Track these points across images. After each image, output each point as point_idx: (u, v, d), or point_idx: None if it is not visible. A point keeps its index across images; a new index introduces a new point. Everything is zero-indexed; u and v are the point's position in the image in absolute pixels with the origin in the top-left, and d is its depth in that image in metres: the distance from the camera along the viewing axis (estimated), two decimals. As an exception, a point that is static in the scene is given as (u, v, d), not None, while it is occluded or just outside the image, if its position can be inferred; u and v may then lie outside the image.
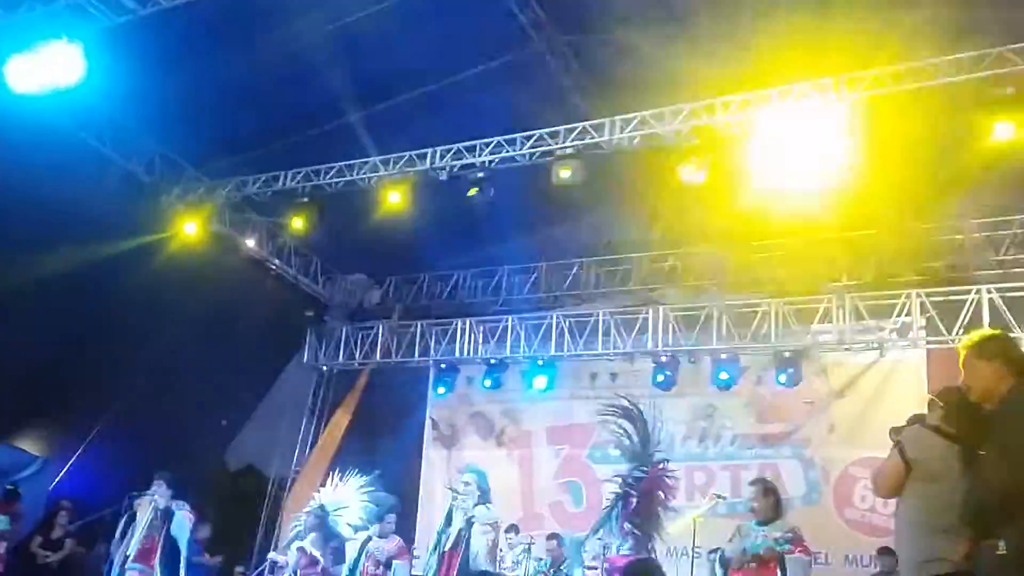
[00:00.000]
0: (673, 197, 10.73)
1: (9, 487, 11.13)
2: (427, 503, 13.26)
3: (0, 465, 11.71)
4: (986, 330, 5.68)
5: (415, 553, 10.85)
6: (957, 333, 10.59)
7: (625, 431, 8.56)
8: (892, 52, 8.58)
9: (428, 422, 14.26)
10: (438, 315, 14.18)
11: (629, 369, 12.86)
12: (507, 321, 13.35)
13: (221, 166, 11.84)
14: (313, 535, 8.99)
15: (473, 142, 10.49)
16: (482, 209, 10.58)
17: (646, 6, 9.34)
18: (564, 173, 9.86)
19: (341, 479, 9.72)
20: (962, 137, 8.96)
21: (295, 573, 8.93)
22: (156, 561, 9.02)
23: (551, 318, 13.05)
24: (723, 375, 11.96)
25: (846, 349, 11.64)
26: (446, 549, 7.57)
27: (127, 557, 9.00)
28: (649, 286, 13.14)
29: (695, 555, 8.41)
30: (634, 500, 8.10)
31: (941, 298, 11.00)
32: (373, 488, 9.51)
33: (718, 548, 7.34)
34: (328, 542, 8.92)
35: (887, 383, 11.36)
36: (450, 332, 13.77)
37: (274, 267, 13.64)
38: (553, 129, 10.14)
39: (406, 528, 10.66)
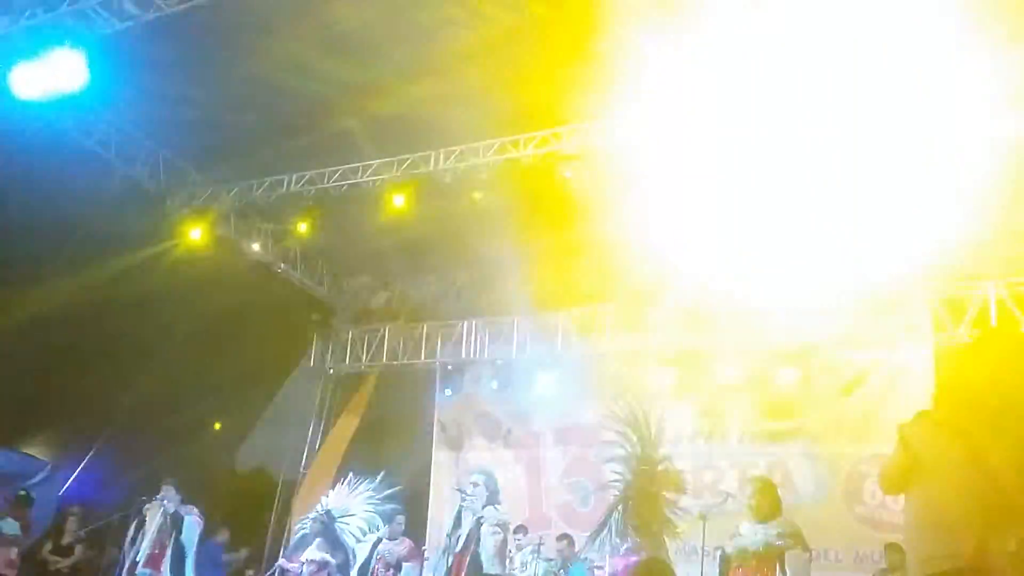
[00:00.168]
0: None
1: (20, 493, 11.14)
2: (436, 505, 13.25)
3: (10, 471, 11.73)
4: (998, 325, 5.67)
5: (425, 554, 10.86)
6: (964, 329, 10.57)
7: (626, 435, 8.53)
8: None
9: (436, 424, 14.26)
10: (444, 316, 14.17)
11: (635, 369, 12.84)
12: (513, 321, 13.33)
13: (225, 171, 11.85)
14: (319, 540, 8.99)
15: (476, 144, 10.51)
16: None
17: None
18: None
19: (348, 485, 9.71)
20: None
21: None
22: (165, 566, 9.05)
23: (556, 318, 13.02)
24: (729, 372, 11.92)
25: (854, 346, 11.59)
26: (456, 550, 7.57)
27: (136, 563, 9.03)
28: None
29: (704, 554, 8.40)
30: (636, 502, 8.08)
31: (949, 294, 10.96)
32: (380, 496, 9.49)
33: (719, 547, 7.33)
34: (333, 549, 8.91)
35: (895, 380, 11.32)
36: (456, 333, 13.76)
37: (280, 271, 13.65)
38: (557, 129, 10.11)
39: (416, 530, 10.66)
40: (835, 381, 11.76)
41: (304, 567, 8.92)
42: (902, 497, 4.21)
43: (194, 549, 9.29)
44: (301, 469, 14.21)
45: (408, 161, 10.86)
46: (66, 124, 10.11)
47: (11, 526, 10.56)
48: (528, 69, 8.92)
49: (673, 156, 8.84)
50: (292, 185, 11.45)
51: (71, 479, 12.44)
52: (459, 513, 7.71)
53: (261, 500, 13.81)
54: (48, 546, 11.17)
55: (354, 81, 10.05)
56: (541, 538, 11.05)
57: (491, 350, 13.53)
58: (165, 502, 9.18)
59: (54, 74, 8.92)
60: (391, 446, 13.52)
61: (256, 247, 13.10)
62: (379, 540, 9.02)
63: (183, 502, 9.33)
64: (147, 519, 9.27)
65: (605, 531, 8.30)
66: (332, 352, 14.80)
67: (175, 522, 9.18)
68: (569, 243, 13.24)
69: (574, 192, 10.22)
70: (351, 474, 10.16)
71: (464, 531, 7.59)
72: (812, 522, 11.03)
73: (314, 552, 8.97)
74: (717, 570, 7.56)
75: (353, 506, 9.37)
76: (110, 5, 8.90)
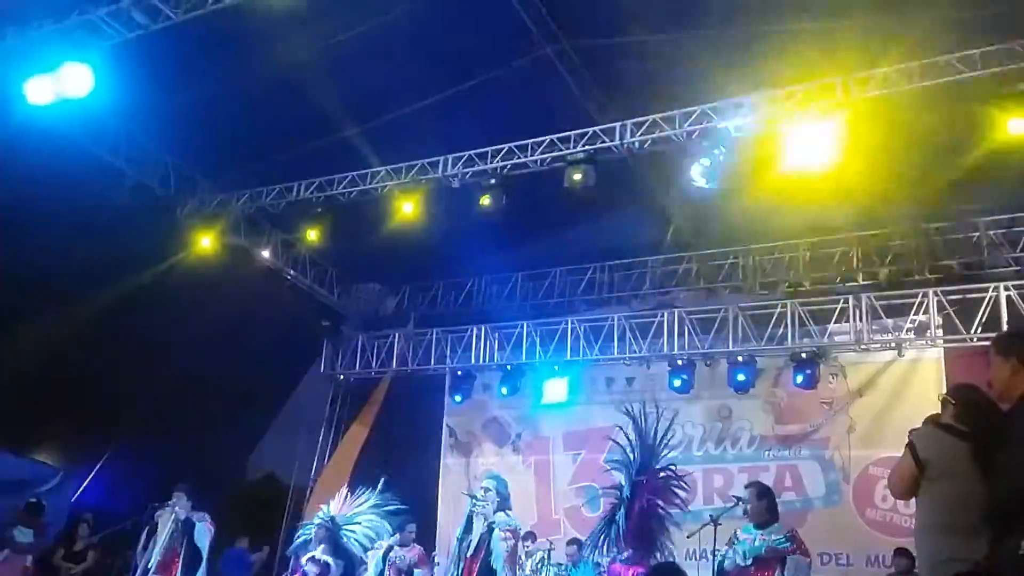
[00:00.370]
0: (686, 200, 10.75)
1: (31, 500, 11.20)
2: (446, 510, 13.26)
3: (22, 479, 11.78)
4: (1013, 328, 5.64)
5: (435, 560, 10.86)
6: (975, 331, 10.54)
7: (628, 441, 8.51)
8: (902, 51, 8.54)
9: (445, 430, 14.28)
10: (454, 322, 14.20)
11: (645, 373, 12.85)
12: (522, 327, 13.36)
13: (235, 178, 11.88)
14: (323, 547, 8.95)
15: (484, 149, 10.51)
16: (494, 215, 10.56)
17: (654, 10, 9.35)
18: (576, 176, 9.87)
19: (354, 493, 9.69)
20: (976, 134, 8.93)
21: None
22: (177, 572, 9.06)
23: (566, 323, 13.05)
24: (740, 377, 11.90)
25: (863, 349, 11.57)
26: (467, 556, 7.55)
27: (148, 570, 9.05)
28: (664, 289, 13.14)
29: (715, 558, 8.37)
30: (633, 509, 8.06)
31: (958, 296, 10.93)
32: (388, 503, 9.46)
33: (718, 551, 7.31)
34: (336, 555, 8.88)
35: (905, 382, 11.30)
36: (466, 339, 13.79)
37: (290, 277, 13.68)
38: (564, 134, 10.13)
39: (426, 536, 10.66)
40: (845, 385, 11.76)
41: (307, 567, 8.87)
42: (913, 501, 4.20)
43: (206, 556, 9.29)
44: (312, 475, 14.24)
45: (417, 167, 10.88)
46: (77, 132, 10.15)
47: (24, 534, 10.63)
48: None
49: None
50: (302, 192, 11.48)
51: (83, 486, 12.49)
52: (469, 518, 7.68)
53: (272, 506, 13.83)
54: (60, 553, 11.23)
55: (365, 86, 10.10)
56: (551, 543, 11.06)
57: (500, 356, 13.53)
58: (176, 508, 9.19)
59: (63, 82, 8.97)
60: (401, 452, 13.55)
61: (266, 254, 13.14)
62: (390, 547, 9.01)
63: (194, 508, 9.34)
64: (159, 525, 9.27)
65: (603, 538, 8.26)
66: (342, 358, 14.83)
67: (186, 528, 9.17)
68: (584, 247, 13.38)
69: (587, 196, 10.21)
70: (359, 481, 10.13)
71: (475, 536, 7.56)
72: (823, 526, 11.10)
73: (318, 555, 8.91)
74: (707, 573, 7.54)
75: (359, 513, 9.34)
76: (119, 15, 8.96)
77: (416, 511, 9.85)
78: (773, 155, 9.32)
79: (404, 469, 12.57)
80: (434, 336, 14.03)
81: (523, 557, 10.18)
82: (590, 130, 10.06)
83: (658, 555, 8.10)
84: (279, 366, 13.97)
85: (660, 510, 8.14)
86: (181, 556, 9.15)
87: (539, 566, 10.64)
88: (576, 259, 13.60)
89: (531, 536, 11.10)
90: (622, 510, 8.09)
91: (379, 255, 13.11)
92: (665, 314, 12.46)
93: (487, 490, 7.70)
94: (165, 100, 10.04)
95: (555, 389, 13.22)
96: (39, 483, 11.95)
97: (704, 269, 12.93)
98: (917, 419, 4.45)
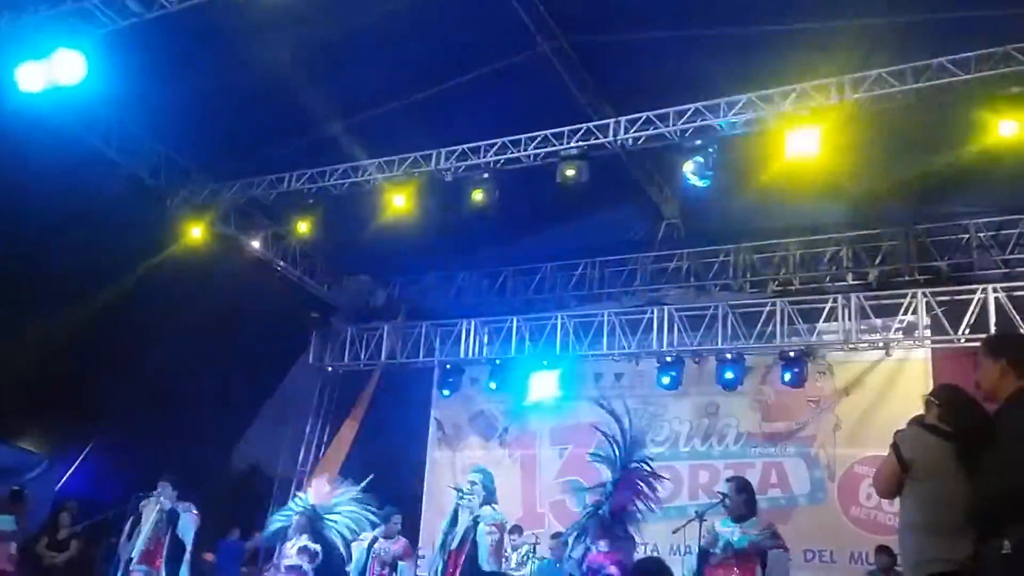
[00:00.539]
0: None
1: (15, 488, 11.15)
2: (432, 503, 13.26)
3: (6, 466, 11.73)
4: (1003, 329, 5.65)
5: (420, 553, 10.86)
6: (962, 333, 10.60)
7: (611, 437, 8.54)
8: (895, 52, 8.57)
9: (433, 423, 14.27)
10: (443, 315, 14.19)
11: (634, 369, 12.87)
12: (511, 322, 13.35)
13: (226, 168, 11.84)
14: (306, 536, 8.89)
15: (478, 144, 10.48)
16: (486, 210, 10.55)
17: (651, 8, 9.36)
18: (569, 172, 9.87)
19: (338, 483, 9.65)
20: (968, 136, 8.97)
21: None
22: (161, 562, 9.05)
23: (556, 318, 13.06)
24: (728, 374, 11.94)
25: (851, 348, 11.62)
26: (452, 549, 7.56)
27: (132, 559, 9.03)
28: (654, 286, 13.15)
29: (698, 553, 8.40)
30: (609, 504, 8.10)
31: (947, 297, 10.99)
32: (373, 495, 9.43)
33: (698, 544, 7.34)
34: (317, 543, 8.83)
35: (892, 382, 11.36)
36: (455, 333, 13.79)
37: (279, 269, 13.65)
38: (558, 130, 10.12)
39: (411, 528, 10.66)
40: (832, 383, 11.80)
41: (297, 558, 8.82)
42: (897, 499, 4.22)
43: (190, 547, 9.26)
44: (298, 467, 14.22)
45: (409, 160, 10.85)
46: (68, 121, 10.09)
47: (7, 521, 10.55)
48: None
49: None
50: (293, 183, 11.43)
51: (67, 474, 12.43)
52: (455, 511, 7.68)
53: (258, 497, 13.81)
54: (44, 541, 11.16)
55: (358, 79, 10.08)
56: (537, 537, 11.08)
57: (489, 350, 13.53)
58: (161, 499, 9.18)
59: (56, 69, 8.92)
60: (388, 444, 13.54)
61: (256, 244, 13.09)
62: (375, 539, 8.99)
63: (179, 498, 9.32)
64: (143, 515, 9.25)
65: (582, 530, 8.28)
66: (331, 350, 14.81)
67: (171, 519, 9.16)
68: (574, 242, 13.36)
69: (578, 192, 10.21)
70: (346, 472, 10.11)
71: (460, 530, 7.57)
72: (808, 523, 11.16)
73: (309, 544, 8.85)
74: (689, 567, 7.54)
75: (340, 504, 9.31)
76: (113, 3, 8.88)
77: (402, 503, 9.83)
78: (766, 154, 9.37)
79: (391, 462, 12.57)
80: (423, 329, 14.02)
81: (509, 551, 10.20)
82: (584, 126, 10.05)
83: (633, 549, 8.14)
84: (267, 357, 13.93)
85: (632, 506, 8.17)
86: (165, 546, 9.14)
87: (525, 559, 10.66)
88: (567, 255, 13.60)
89: (517, 530, 11.11)
90: (607, 504, 8.11)
91: (370, 248, 13.10)
92: (655, 311, 12.48)
93: (473, 484, 7.71)
94: (158, 89, 10.00)
95: (544, 384, 13.20)
96: (24, 471, 11.90)
97: (695, 266, 12.96)
98: (903, 419, 4.47)
